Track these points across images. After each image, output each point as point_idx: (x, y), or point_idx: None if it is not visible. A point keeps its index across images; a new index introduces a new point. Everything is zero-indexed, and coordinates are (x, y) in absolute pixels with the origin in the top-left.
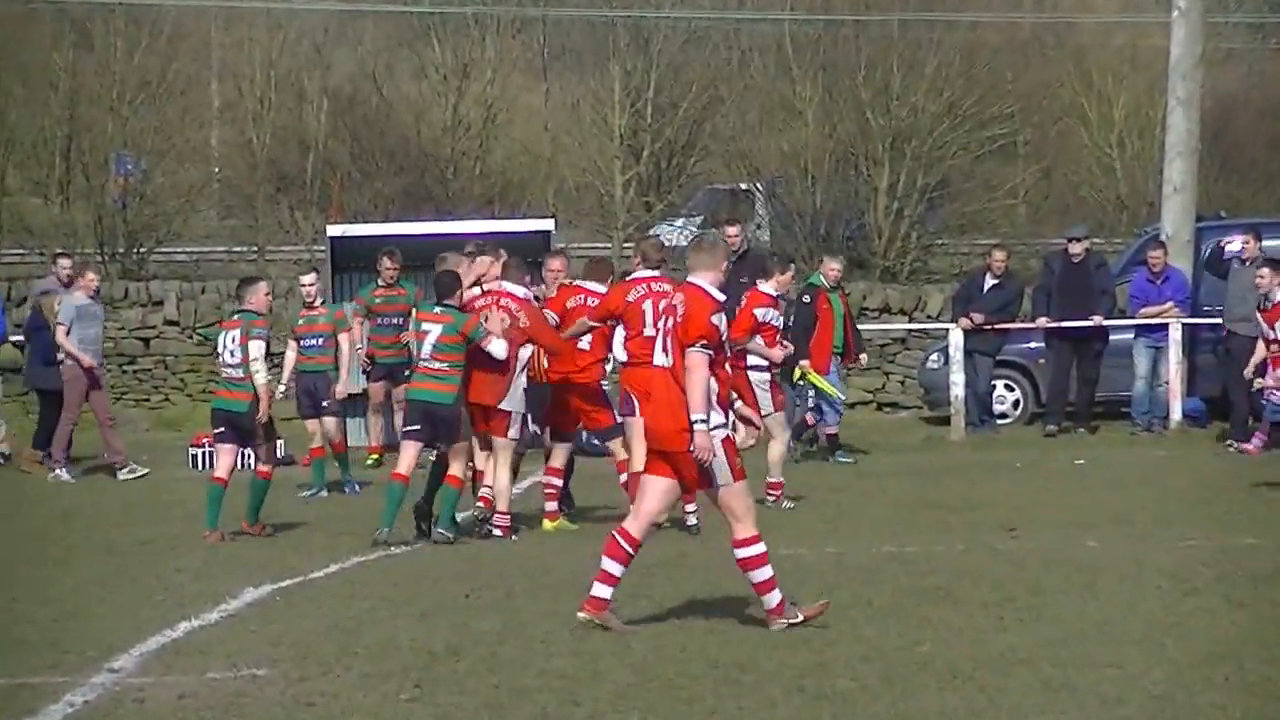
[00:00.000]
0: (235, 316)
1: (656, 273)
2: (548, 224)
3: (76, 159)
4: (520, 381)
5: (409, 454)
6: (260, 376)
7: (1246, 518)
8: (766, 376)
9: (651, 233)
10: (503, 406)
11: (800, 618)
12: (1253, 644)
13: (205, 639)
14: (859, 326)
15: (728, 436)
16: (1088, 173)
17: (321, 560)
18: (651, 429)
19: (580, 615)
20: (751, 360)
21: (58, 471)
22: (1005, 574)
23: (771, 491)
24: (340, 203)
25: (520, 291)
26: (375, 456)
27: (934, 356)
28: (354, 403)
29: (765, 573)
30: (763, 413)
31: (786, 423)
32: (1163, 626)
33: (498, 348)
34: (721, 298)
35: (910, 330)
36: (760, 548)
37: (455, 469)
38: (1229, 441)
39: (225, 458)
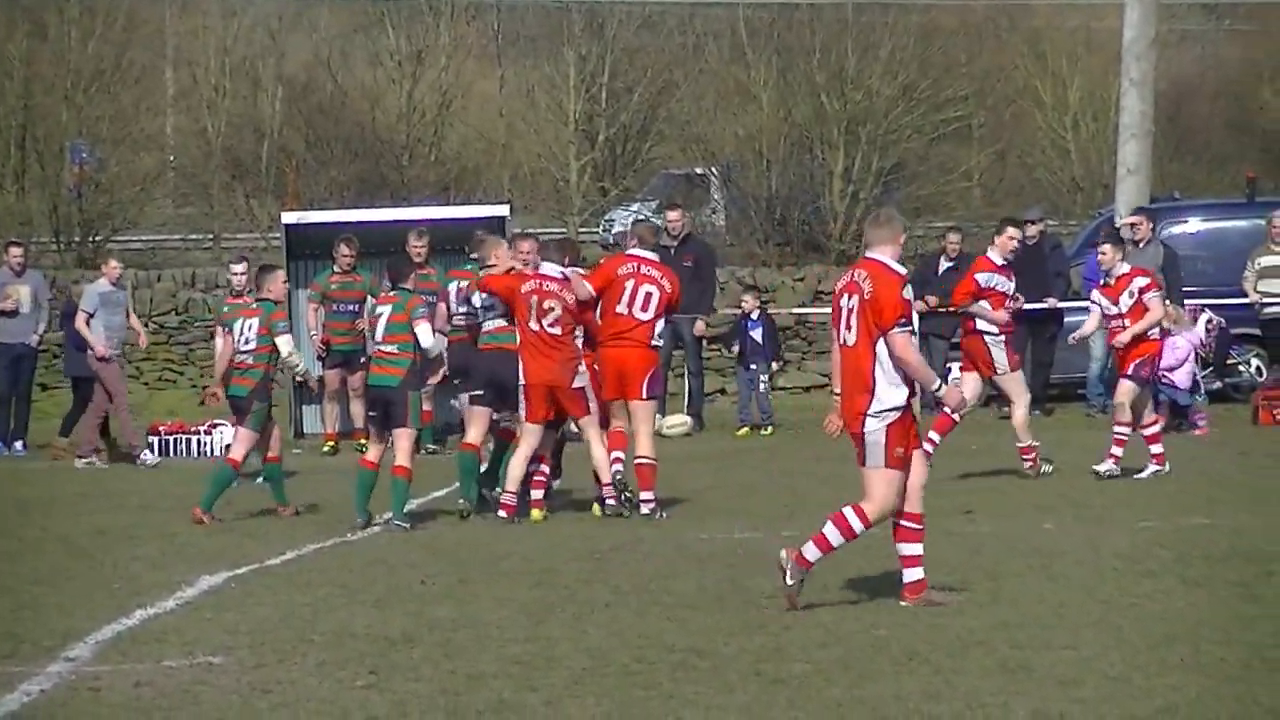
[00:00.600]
0: (255, 305)
1: (652, 256)
2: (503, 209)
3: (31, 148)
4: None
5: (376, 442)
6: (301, 367)
7: (1201, 499)
8: (1001, 336)
9: (607, 218)
10: (576, 385)
11: (942, 602)
12: (1209, 625)
13: (161, 627)
14: (818, 311)
15: (894, 423)
16: (1042, 155)
17: (277, 548)
18: (842, 411)
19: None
20: (981, 325)
21: (143, 456)
22: (962, 557)
23: (1025, 456)
24: (296, 190)
25: (556, 272)
26: (331, 444)
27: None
28: (309, 390)
29: (836, 539)
30: (998, 371)
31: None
32: (1119, 608)
33: (424, 332)
34: (904, 270)
35: None
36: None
37: (401, 458)
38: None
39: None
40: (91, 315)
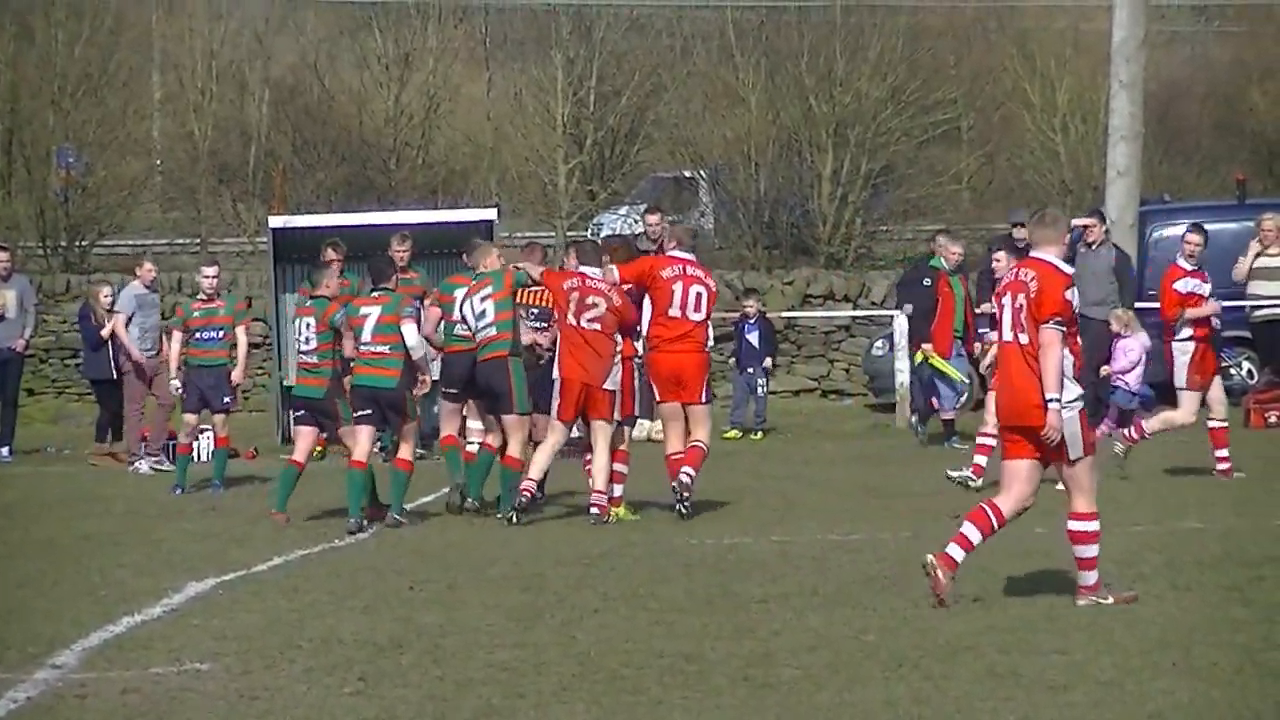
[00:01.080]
0: (309, 303)
1: (690, 256)
2: (490, 213)
3: (18, 152)
4: (619, 363)
5: (364, 439)
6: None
7: (1193, 502)
8: (1190, 349)
9: (596, 221)
10: (607, 387)
11: (1110, 600)
12: (1201, 629)
13: (148, 634)
14: (807, 314)
15: (1082, 410)
16: (1031, 157)
17: (264, 553)
18: (1007, 405)
19: (928, 558)
20: (1179, 335)
21: (136, 464)
22: None
23: (1127, 443)
24: (283, 194)
25: (598, 273)
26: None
27: (879, 344)
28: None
29: (1091, 550)
30: (1175, 384)
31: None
32: (1110, 613)
33: (409, 332)
34: (1071, 271)
35: (855, 317)
36: (1094, 525)
37: (404, 452)
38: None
39: (303, 441)
40: (129, 319)
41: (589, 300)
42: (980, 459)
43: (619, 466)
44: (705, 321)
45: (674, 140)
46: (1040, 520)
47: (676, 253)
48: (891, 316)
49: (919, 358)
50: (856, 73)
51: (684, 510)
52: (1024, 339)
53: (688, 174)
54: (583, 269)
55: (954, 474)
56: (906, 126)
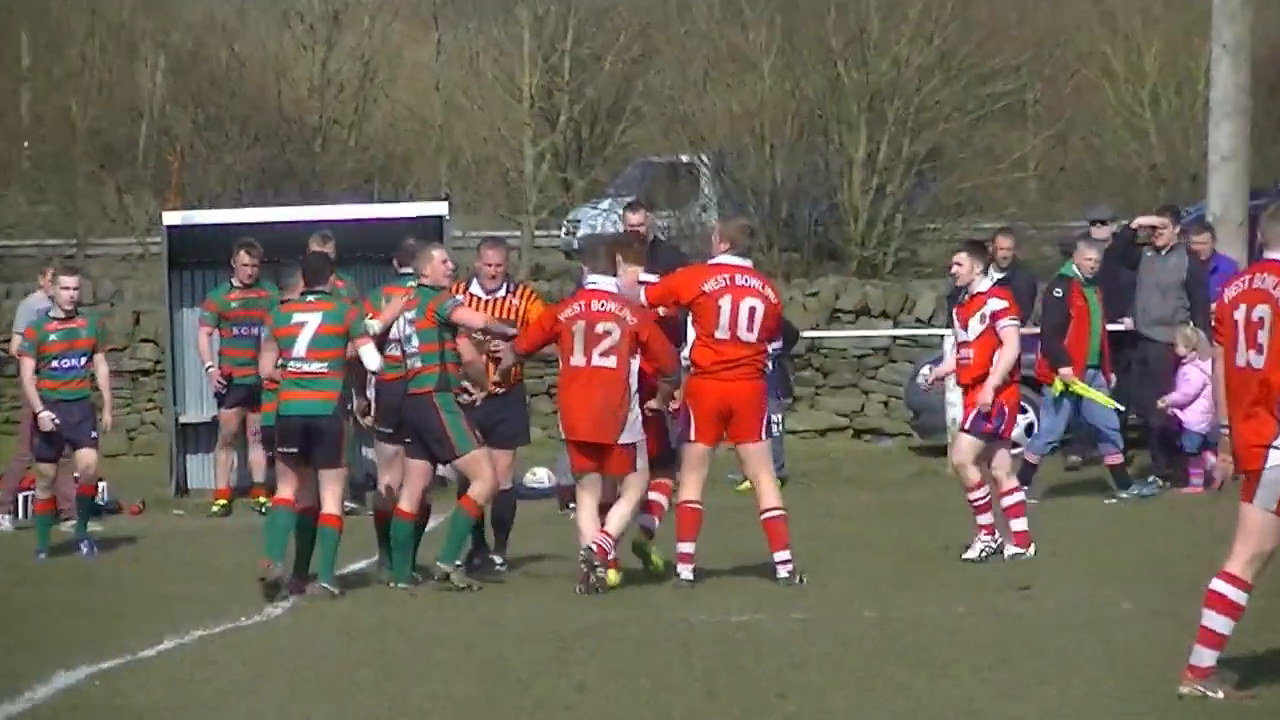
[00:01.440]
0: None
1: (745, 261)
2: (440, 207)
3: None
4: (636, 406)
5: (290, 478)
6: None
7: None
8: None
9: (571, 217)
10: (624, 441)
11: (1220, 695)
12: None
13: None
14: (836, 334)
15: None
16: (1114, 137)
17: (152, 634)
18: (1239, 443)
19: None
20: None
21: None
22: (1013, 639)
23: None
24: (180, 183)
25: (611, 285)
26: (223, 502)
27: (925, 370)
28: (200, 435)
29: (1223, 625)
30: None
31: None
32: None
33: (369, 355)
34: None
35: (895, 338)
36: (1242, 596)
37: (330, 504)
38: (1153, 479)
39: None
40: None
41: (599, 328)
42: (1018, 524)
43: (656, 496)
44: (761, 342)
45: (668, 117)
46: (1124, 590)
47: (726, 258)
48: (941, 337)
49: (1058, 387)
50: (895, 34)
51: (800, 580)
52: (1258, 361)
53: (685, 159)
54: (589, 280)
55: (969, 556)
56: (958, 100)
